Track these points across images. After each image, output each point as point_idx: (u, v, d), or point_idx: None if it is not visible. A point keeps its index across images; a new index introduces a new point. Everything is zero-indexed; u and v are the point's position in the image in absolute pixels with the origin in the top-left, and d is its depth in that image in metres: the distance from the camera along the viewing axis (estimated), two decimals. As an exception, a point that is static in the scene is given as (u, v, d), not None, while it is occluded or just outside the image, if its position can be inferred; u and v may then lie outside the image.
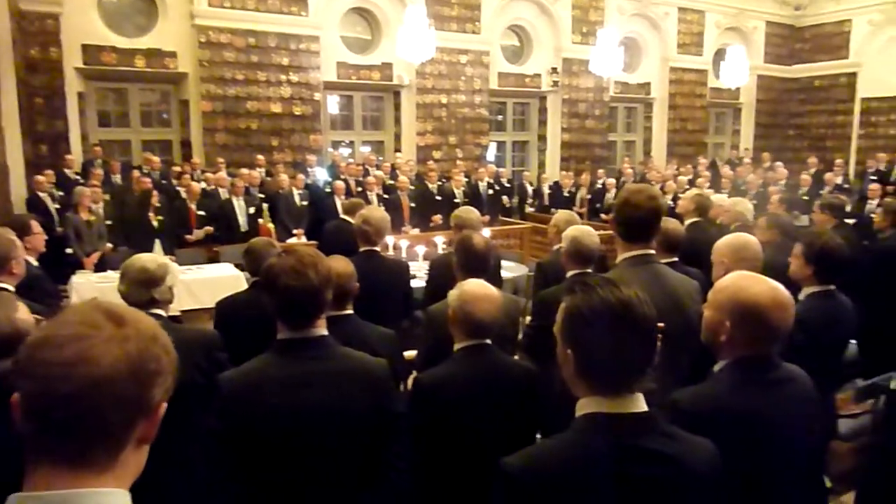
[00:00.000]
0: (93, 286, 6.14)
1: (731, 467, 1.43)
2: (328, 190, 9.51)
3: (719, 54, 14.37)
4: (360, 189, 9.43)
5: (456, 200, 9.41)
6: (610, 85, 13.86)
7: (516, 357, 3.01)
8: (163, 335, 0.97)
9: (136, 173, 8.98)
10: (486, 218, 9.37)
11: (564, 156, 13.67)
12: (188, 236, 8.13)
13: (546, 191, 11.83)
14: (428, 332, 3.04)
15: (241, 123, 10.49)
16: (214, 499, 1.91)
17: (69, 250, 7.28)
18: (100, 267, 7.17)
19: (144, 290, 2.56)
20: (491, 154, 13.29)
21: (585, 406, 1.39)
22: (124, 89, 10.41)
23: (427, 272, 4.45)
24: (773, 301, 1.74)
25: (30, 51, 9.05)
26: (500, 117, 13.66)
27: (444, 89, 12.14)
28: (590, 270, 3.30)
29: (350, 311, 2.76)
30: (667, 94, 14.83)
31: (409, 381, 2.80)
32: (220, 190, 8.87)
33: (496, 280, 4.00)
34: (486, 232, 6.12)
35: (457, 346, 2.40)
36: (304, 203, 9.07)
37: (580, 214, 8.84)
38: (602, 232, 3.97)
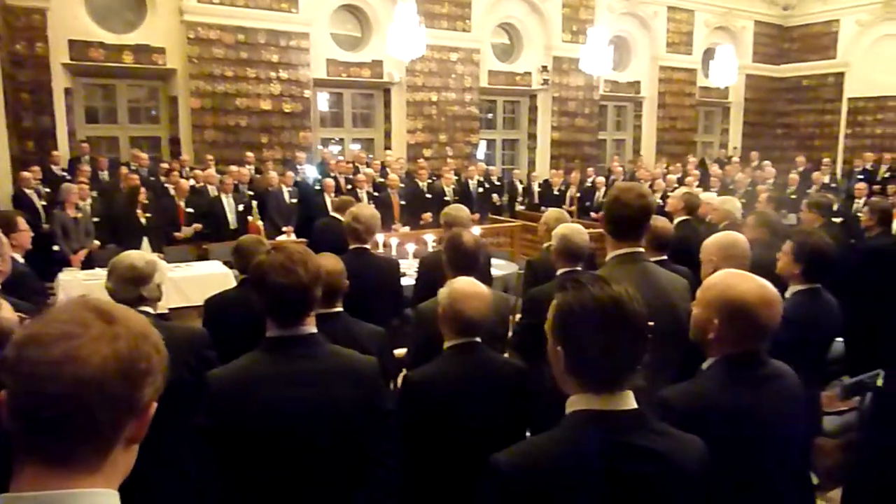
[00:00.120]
0: (80, 283, 6.09)
1: (721, 464, 1.44)
2: (318, 187, 9.48)
3: (708, 53, 14.44)
4: (349, 187, 9.41)
5: (446, 198, 9.41)
6: (600, 83, 13.89)
7: (506, 355, 3.02)
8: (153, 333, 0.95)
9: (123, 170, 8.92)
10: (476, 216, 9.40)
11: (554, 154, 13.69)
12: (177, 234, 8.08)
13: (536, 189, 11.85)
14: (417, 329, 3.03)
15: (230, 120, 10.44)
16: (204, 497, 1.90)
17: (56, 247, 7.22)
18: (87, 264, 7.13)
19: (132, 287, 2.54)
20: (481, 152, 13.30)
21: (575, 403, 1.39)
22: (112, 85, 10.33)
23: (417, 270, 4.45)
24: (762, 299, 1.75)
25: (16, 46, 8.97)
26: (490, 115, 13.66)
27: (434, 87, 12.13)
28: (579, 268, 3.31)
29: (340, 309, 2.75)
30: (656, 92, 14.89)
31: (399, 379, 2.80)
32: (209, 187, 8.82)
33: (486, 278, 4.00)
34: (476, 230, 6.12)
35: (446, 344, 2.40)
36: (294, 201, 9.04)
37: (570, 213, 8.87)
38: (592, 230, 3.98)
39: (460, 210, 4.40)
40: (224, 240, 7.59)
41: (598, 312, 1.34)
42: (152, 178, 9.09)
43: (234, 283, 3.99)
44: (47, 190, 8.29)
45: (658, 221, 3.59)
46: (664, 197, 8.41)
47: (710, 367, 1.81)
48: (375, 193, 9.38)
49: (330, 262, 2.64)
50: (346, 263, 2.80)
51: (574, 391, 1.40)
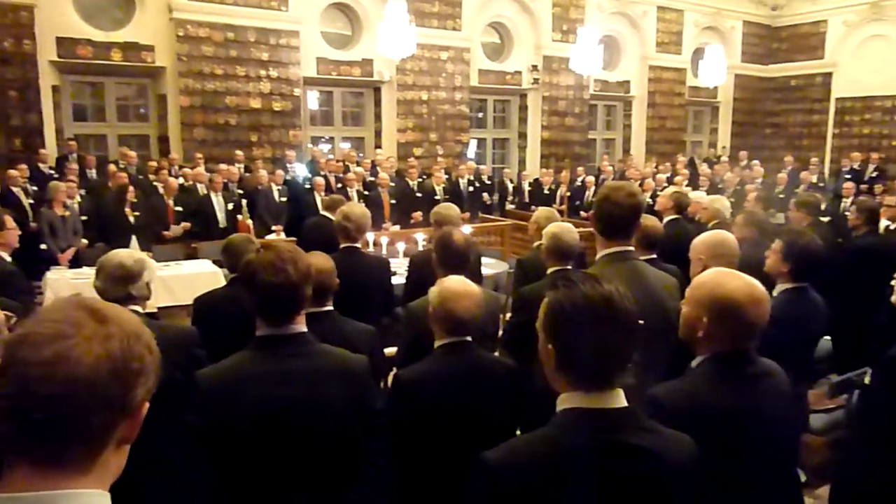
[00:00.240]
0: (68, 282, 6.06)
1: (710, 461, 1.44)
2: (308, 186, 9.45)
3: (698, 53, 14.51)
4: (339, 185, 9.39)
5: (436, 197, 9.41)
6: (590, 83, 13.92)
7: (496, 353, 3.02)
8: (146, 333, 0.95)
9: (112, 168, 8.86)
10: (467, 215, 9.41)
11: (545, 153, 13.71)
12: (165, 232, 8.03)
13: (526, 188, 11.87)
14: (408, 328, 3.03)
15: (219, 118, 10.39)
16: (194, 497, 1.89)
17: (43, 246, 7.17)
18: (75, 263, 7.08)
19: (121, 286, 2.52)
20: (471, 151, 13.30)
21: (566, 401, 1.39)
22: (100, 83, 10.25)
23: (407, 269, 4.44)
24: (750, 297, 1.76)
25: (3, 43, 8.87)
26: (480, 114, 13.67)
27: (424, 86, 12.12)
28: (570, 267, 3.32)
29: (330, 308, 2.75)
30: (646, 92, 14.95)
31: (390, 378, 2.79)
32: (199, 185, 8.78)
33: (476, 277, 4.00)
34: (467, 229, 6.12)
35: (437, 343, 2.40)
36: (284, 199, 9.02)
37: (560, 212, 8.87)
38: (582, 229, 3.99)
39: (450, 209, 4.39)
40: (213, 238, 7.56)
41: (589, 310, 1.34)
42: (141, 177, 9.03)
43: (223, 282, 3.97)
44: (35, 188, 8.22)
45: (648, 220, 3.60)
46: (654, 196, 8.45)
47: (699, 366, 1.82)
48: (366, 192, 9.37)
49: (320, 260, 2.64)
50: (336, 262, 2.79)
51: (565, 389, 1.40)
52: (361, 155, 11.45)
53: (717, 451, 1.53)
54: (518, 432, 2.38)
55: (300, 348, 1.92)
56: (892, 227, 5.78)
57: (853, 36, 14.97)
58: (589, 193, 10.96)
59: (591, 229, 2.63)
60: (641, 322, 1.39)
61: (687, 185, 9.78)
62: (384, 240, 6.91)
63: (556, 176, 11.83)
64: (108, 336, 0.89)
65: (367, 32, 11.39)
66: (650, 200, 7.79)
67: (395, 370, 2.65)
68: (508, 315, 3.66)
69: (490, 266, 6.50)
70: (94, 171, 9.24)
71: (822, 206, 6.16)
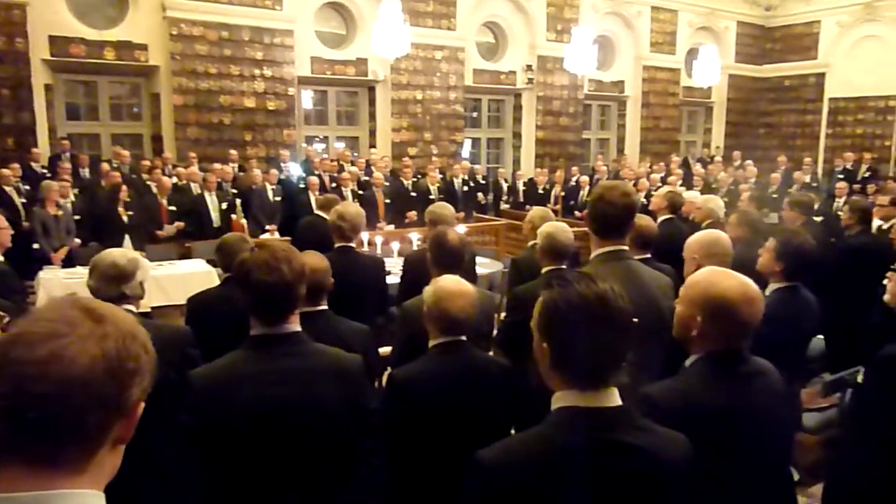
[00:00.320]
0: (60, 282, 6.03)
1: (703, 460, 1.45)
2: (302, 186, 9.44)
3: (691, 53, 14.55)
4: (334, 185, 9.38)
5: (431, 197, 9.41)
6: (584, 83, 13.95)
7: (491, 353, 3.02)
8: (142, 333, 0.94)
9: (105, 166, 8.84)
10: (461, 214, 9.40)
11: (539, 153, 13.73)
12: (159, 232, 8.01)
13: (521, 188, 11.88)
14: (402, 328, 3.03)
15: (213, 118, 10.37)
16: (188, 496, 1.88)
17: (36, 245, 7.14)
18: (68, 262, 7.06)
19: (114, 285, 2.51)
20: (466, 151, 13.31)
21: (560, 399, 1.39)
22: (93, 82, 10.22)
23: (402, 268, 4.44)
24: (744, 296, 1.76)
25: (-5, 42, 8.85)
26: (475, 114, 13.67)
27: (419, 85, 12.11)
28: (564, 266, 3.32)
29: (324, 307, 2.74)
30: (640, 92, 14.98)
31: (384, 378, 2.79)
32: (192, 185, 8.75)
33: (471, 276, 4.00)
34: (462, 228, 6.12)
35: (432, 343, 2.39)
36: (278, 199, 9.00)
37: (555, 211, 8.88)
38: (576, 229, 3.99)
39: (445, 208, 4.39)
40: (207, 238, 7.53)
41: (584, 309, 1.34)
42: (134, 176, 9.00)
43: (217, 282, 3.95)
44: (27, 187, 8.19)
45: (642, 220, 3.61)
46: (648, 196, 8.47)
47: (692, 364, 1.82)
48: (360, 192, 9.36)
49: (314, 259, 2.63)
50: (331, 262, 2.79)
51: (559, 387, 1.40)
52: (356, 154, 11.44)
53: (711, 450, 1.54)
54: (513, 432, 2.38)
55: (294, 347, 1.91)
56: (884, 226, 5.81)
57: (846, 36, 15.04)
58: (583, 193, 10.97)
59: (586, 229, 2.63)
60: (636, 321, 1.39)
61: (681, 185, 9.79)
62: (379, 239, 6.91)
63: (550, 176, 11.84)
64: (104, 335, 0.88)
65: (361, 32, 11.38)
66: (644, 200, 7.81)
67: (389, 370, 2.65)
68: (503, 314, 3.66)
69: (485, 266, 6.50)
70: (87, 170, 9.20)
71: (816, 206, 6.19)
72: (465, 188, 10.78)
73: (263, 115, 10.75)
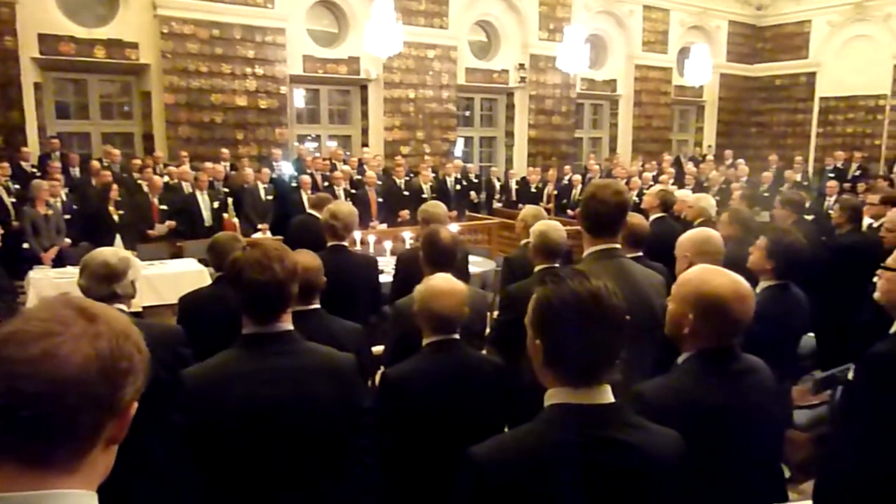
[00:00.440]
0: (51, 282, 6.00)
1: (695, 457, 1.45)
2: (294, 184, 9.42)
3: (683, 52, 14.59)
4: (326, 184, 9.36)
5: (423, 196, 9.40)
6: (576, 82, 13.97)
7: (484, 351, 3.02)
8: (135, 332, 0.94)
9: (95, 164, 8.79)
10: (454, 213, 9.42)
11: (532, 152, 13.74)
12: (150, 231, 7.97)
13: (513, 186, 11.89)
14: (395, 326, 3.03)
15: (205, 116, 10.32)
16: (180, 496, 1.88)
17: (26, 245, 7.09)
18: (58, 262, 7.01)
19: (106, 284, 2.49)
20: (459, 149, 13.30)
21: (553, 396, 1.40)
22: (83, 80, 10.15)
23: (394, 267, 4.44)
24: (735, 293, 1.77)
25: (-16, 40, 8.79)
26: (467, 113, 13.67)
27: (411, 84, 12.10)
28: (557, 265, 3.32)
29: (317, 306, 2.74)
30: (632, 91, 15.01)
31: (377, 377, 2.79)
32: (184, 184, 8.72)
33: (464, 274, 4.00)
34: (454, 227, 6.12)
35: (425, 341, 2.40)
36: (270, 198, 8.98)
37: (547, 210, 8.90)
38: (569, 227, 4.00)
39: (437, 207, 4.39)
40: (199, 237, 7.50)
41: (577, 306, 1.34)
42: (125, 175, 8.95)
43: (209, 281, 3.94)
44: (17, 187, 8.12)
45: (634, 218, 3.62)
46: (640, 194, 8.48)
47: (684, 362, 1.83)
48: (353, 191, 9.35)
49: (307, 258, 2.63)
50: (323, 261, 2.78)
51: (552, 384, 1.40)
52: (348, 153, 11.42)
53: (703, 447, 1.54)
54: (506, 430, 2.38)
55: (286, 346, 1.91)
56: (874, 224, 5.84)
57: (837, 36, 15.12)
58: (576, 192, 10.99)
59: (578, 227, 2.63)
60: (628, 318, 1.39)
61: (673, 184, 9.83)
62: (371, 238, 6.89)
63: (543, 174, 11.86)
64: (97, 335, 0.88)
65: (353, 30, 11.36)
66: (636, 199, 7.82)
67: (382, 368, 2.65)
68: (496, 313, 3.66)
69: (477, 264, 6.50)
70: (77, 169, 9.15)
71: (807, 205, 6.21)
72: (458, 187, 10.79)
73: (255, 114, 10.71)
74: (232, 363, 1.88)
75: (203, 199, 8.36)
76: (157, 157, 9.66)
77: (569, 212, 10.60)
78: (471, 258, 5.36)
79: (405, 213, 9.27)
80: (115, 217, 7.47)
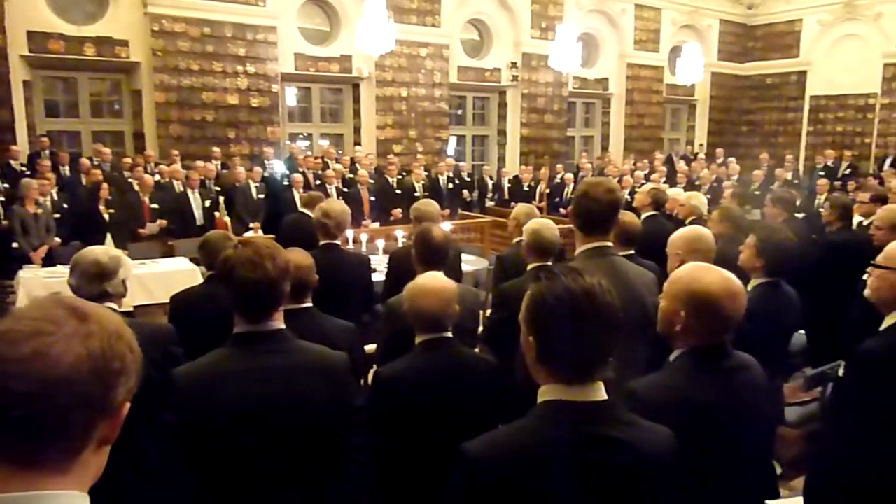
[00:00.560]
0: (41, 281, 5.96)
1: (687, 453, 1.46)
2: (286, 183, 9.39)
3: (675, 51, 14.62)
4: (318, 182, 9.34)
5: (416, 194, 9.40)
6: (568, 80, 13.97)
7: (477, 349, 3.02)
8: (127, 332, 0.93)
9: (85, 162, 8.74)
10: (447, 212, 9.42)
11: (524, 150, 13.74)
12: (141, 230, 7.92)
13: (506, 185, 11.91)
14: (387, 324, 3.02)
15: (196, 115, 10.27)
16: (171, 495, 1.87)
17: (15, 244, 7.04)
18: (48, 261, 6.96)
19: (96, 283, 2.48)
20: (451, 148, 13.30)
21: (546, 393, 1.40)
22: (73, 78, 10.07)
23: (387, 265, 4.43)
24: (727, 291, 1.77)
25: (-28, 38, 8.71)
26: (460, 111, 13.66)
27: (403, 82, 12.08)
28: (550, 263, 3.33)
29: (309, 304, 2.73)
30: (624, 89, 15.04)
31: (370, 375, 2.78)
32: (175, 183, 8.68)
33: (456, 273, 4.00)
34: (447, 226, 6.12)
35: (417, 340, 2.39)
36: (261, 196, 8.94)
37: (540, 209, 8.92)
38: (561, 226, 4.00)
39: (430, 205, 4.39)
40: (190, 236, 7.47)
41: (571, 303, 1.34)
42: (115, 174, 8.90)
43: (200, 280, 3.93)
44: (6, 185, 8.07)
45: (626, 216, 3.63)
46: (632, 193, 8.51)
47: (676, 359, 1.83)
48: (345, 189, 9.33)
49: (298, 256, 2.62)
50: (316, 259, 2.78)
51: (545, 381, 1.40)
52: (340, 152, 11.39)
53: (695, 444, 1.55)
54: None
55: (278, 345, 1.90)
56: (864, 222, 5.87)
57: (827, 35, 15.20)
58: (568, 190, 11.02)
59: (571, 226, 2.64)
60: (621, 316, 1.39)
61: (664, 182, 9.86)
62: (364, 237, 6.89)
63: (535, 173, 11.87)
64: (89, 334, 0.87)
65: (345, 28, 11.33)
66: (628, 197, 7.84)
67: (375, 367, 2.64)
68: (488, 311, 3.66)
69: (470, 263, 6.50)
70: (67, 167, 9.09)
71: (797, 203, 6.24)
72: (451, 185, 10.78)
73: (247, 113, 10.67)
74: (224, 362, 1.87)
75: (194, 198, 8.32)
76: (148, 155, 9.61)
77: (561, 210, 10.61)
78: (463, 256, 5.36)
79: (397, 212, 9.26)
80: (106, 216, 7.42)
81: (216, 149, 10.08)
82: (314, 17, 11.56)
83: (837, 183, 11.81)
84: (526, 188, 11.51)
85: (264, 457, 1.83)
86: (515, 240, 4.13)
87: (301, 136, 12.04)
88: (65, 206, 7.81)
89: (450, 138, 13.15)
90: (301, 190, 8.66)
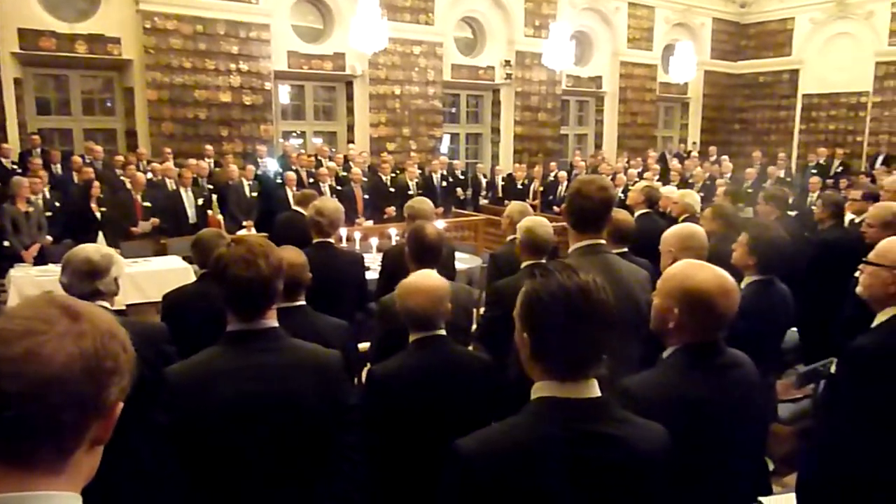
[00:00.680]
0: (32, 280, 5.93)
1: (681, 450, 1.46)
2: (279, 181, 9.37)
3: (668, 49, 14.66)
4: (311, 180, 9.32)
5: (410, 192, 9.39)
6: (562, 78, 13.99)
7: (470, 347, 3.02)
8: (120, 331, 0.92)
9: (77, 160, 8.69)
10: (440, 210, 9.40)
11: (518, 148, 13.76)
12: (134, 228, 7.89)
13: (500, 183, 11.91)
14: (380, 323, 3.02)
15: (188, 113, 10.24)
16: (164, 494, 1.86)
17: (6, 243, 7.00)
18: (40, 260, 6.93)
19: (88, 281, 2.47)
20: (445, 146, 13.29)
21: (540, 390, 1.40)
22: (65, 76, 10.03)
23: (380, 263, 4.43)
24: (720, 288, 1.77)
25: (-38, 34, 8.66)
26: (453, 109, 13.66)
27: (397, 80, 12.07)
28: (544, 261, 3.33)
29: (302, 303, 2.72)
30: (617, 88, 15.07)
31: (364, 374, 2.78)
32: (168, 181, 8.65)
33: (450, 271, 4.00)
34: (440, 224, 6.11)
35: (410, 338, 2.39)
36: (254, 194, 8.93)
37: (533, 206, 8.93)
38: (555, 223, 4.00)
39: (424, 203, 4.38)
40: (183, 234, 7.45)
41: (565, 300, 1.34)
42: (107, 172, 8.86)
43: (193, 279, 3.91)
44: (-3, 184, 8.03)
45: (619, 214, 3.64)
46: (625, 190, 8.52)
47: (669, 357, 1.84)
48: (338, 187, 9.31)
49: (291, 254, 2.61)
50: (309, 257, 2.77)
51: (539, 378, 1.40)
52: (334, 150, 11.37)
53: (688, 441, 1.55)
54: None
55: (271, 343, 1.89)
56: (856, 220, 5.90)
57: (819, 33, 15.26)
58: (561, 188, 11.02)
59: (565, 224, 2.64)
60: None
61: (658, 180, 9.87)
62: (357, 235, 6.87)
63: (529, 171, 11.88)
64: (82, 334, 0.86)
65: (338, 26, 11.30)
66: (621, 195, 7.86)
67: (368, 365, 2.64)
68: (482, 309, 3.66)
69: (464, 261, 6.50)
70: (58, 165, 9.04)
71: (790, 201, 6.26)
72: (444, 183, 10.78)
73: (239, 110, 10.64)
74: (216, 360, 1.87)
75: (187, 196, 8.30)
76: (141, 153, 9.58)
77: (555, 208, 10.61)
78: (457, 254, 5.35)
79: (391, 210, 9.25)
80: (98, 214, 7.39)
81: (209, 147, 10.06)
82: (307, 14, 11.54)
83: (829, 181, 11.85)
84: (519, 186, 11.52)
85: (258, 455, 1.82)
86: (509, 238, 4.13)
87: (294, 134, 12.01)
88: (56, 204, 7.77)
89: (443, 136, 13.15)
90: (294, 188, 8.65)
